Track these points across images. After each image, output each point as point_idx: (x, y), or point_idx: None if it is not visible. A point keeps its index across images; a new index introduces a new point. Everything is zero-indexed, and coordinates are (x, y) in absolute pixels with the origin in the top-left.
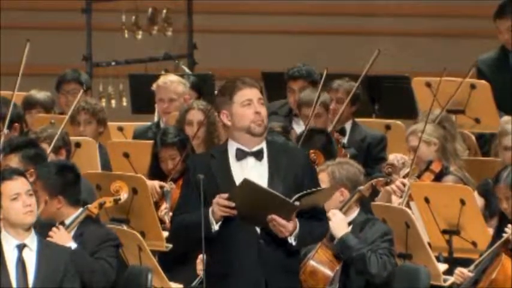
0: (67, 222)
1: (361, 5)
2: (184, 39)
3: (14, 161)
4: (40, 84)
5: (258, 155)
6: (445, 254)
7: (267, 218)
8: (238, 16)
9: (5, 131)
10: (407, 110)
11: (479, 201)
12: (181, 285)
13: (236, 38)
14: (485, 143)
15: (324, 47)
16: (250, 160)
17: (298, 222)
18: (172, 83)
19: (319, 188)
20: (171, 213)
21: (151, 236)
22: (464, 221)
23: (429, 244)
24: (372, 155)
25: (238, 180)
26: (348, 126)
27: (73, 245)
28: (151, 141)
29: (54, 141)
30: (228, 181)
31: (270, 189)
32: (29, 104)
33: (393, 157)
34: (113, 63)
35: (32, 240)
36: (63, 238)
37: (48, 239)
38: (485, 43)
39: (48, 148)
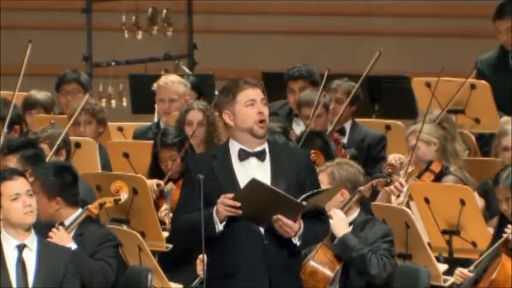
0: (66, 223)
1: (361, 5)
2: (184, 39)
3: (12, 162)
4: (40, 85)
5: (260, 156)
6: (445, 254)
7: (272, 218)
8: (238, 16)
9: (5, 130)
10: (407, 110)
11: (480, 201)
12: (181, 286)
13: (236, 38)
14: (485, 143)
15: (324, 47)
16: (253, 160)
17: (302, 223)
18: (173, 84)
19: (325, 188)
20: (171, 214)
21: (151, 236)
22: (464, 221)
23: (429, 244)
24: (371, 155)
25: (241, 181)
26: (347, 126)
27: (73, 246)
28: (151, 142)
29: (57, 143)
30: (231, 181)
31: (278, 190)
32: (29, 104)
33: (392, 157)
34: (113, 63)
35: (32, 241)
36: (63, 239)
37: (48, 239)
38: (485, 43)
39: (48, 148)
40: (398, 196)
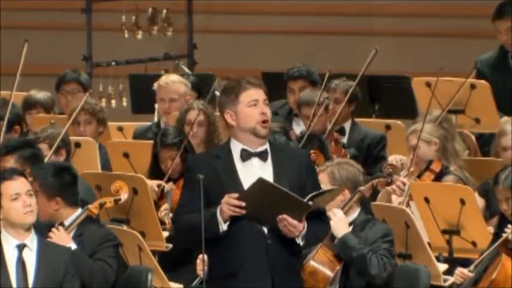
0: (66, 223)
1: (361, 5)
2: (184, 39)
3: (10, 162)
4: (40, 84)
5: (262, 156)
6: (445, 254)
7: (276, 218)
8: (238, 16)
9: (4, 129)
10: (407, 110)
11: (480, 201)
12: (181, 285)
13: (236, 38)
14: (485, 143)
15: (324, 47)
16: (255, 161)
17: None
18: (174, 83)
19: (329, 189)
20: (171, 215)
21: (151, 236)
22: (464, 221)
23: (429, 244)
24: (371, 155)
25: (244, 181)
26: (347, 126)
27: (73, 246)
28: (152, 141)
29: (56, 143)
30: (234, 182)
31: (286, 189)
32: (29, 104)
33: (393, 158)
34: (113, 63)
35: (32, 240)
36: (63, 239)
37: (47, 240)
38: (485, 43)
39: (47, 148)
40: (400, 195)
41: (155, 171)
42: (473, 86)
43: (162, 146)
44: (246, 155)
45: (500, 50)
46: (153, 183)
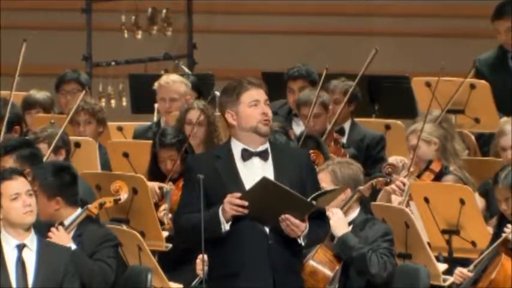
0: (66, 222)
1: (361, 5)
2: (184, 39)
3: (9, 162)
4: (40, 84)
5: (263, 155)
6: (445, 254)
7: (279, 218)
8: (238, 16)
9: (4, 129)
10: (407, 110)
11: (480, 201)
12: (181, 285)
13: (236, 38)
14: (485, 143)
15: (324, 47)
16: (256, 160)
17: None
18: (174, 83)
19: (332, 188)
20: (170, 215)
21: (151, 236)
22: (464, 221)
23: (429, 244)
24: (371, 156)
25: (245, 181)
26: (346, 126)
27: (72, 246)
28: (151, 141)
29: (54, 142)
30: (236, 181)
31: (289, 189)
32: (29, 104)
33: (393, 159)
34: (113, 63)
35: (31, 240)
36: (63, 239)
37: (47, 239)
38: (485, 43)
39: (47, 148)
40: (400, 195)
41: (154, 171)
42: (472, 86)
43: (161, 146)
44: (246, 155)
45: (500, 49)
46: (154, 185)
